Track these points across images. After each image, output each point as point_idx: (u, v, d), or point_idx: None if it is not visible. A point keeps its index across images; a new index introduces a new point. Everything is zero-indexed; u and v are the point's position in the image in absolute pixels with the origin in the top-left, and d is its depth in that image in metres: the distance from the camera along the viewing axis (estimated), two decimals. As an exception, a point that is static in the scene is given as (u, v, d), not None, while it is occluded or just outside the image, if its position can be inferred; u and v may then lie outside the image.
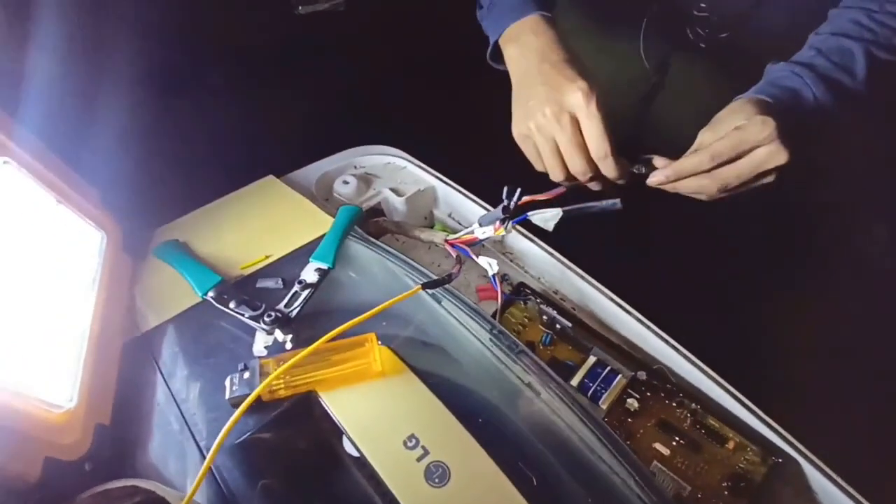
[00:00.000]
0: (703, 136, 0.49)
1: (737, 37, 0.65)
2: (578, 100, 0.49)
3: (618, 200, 0.48)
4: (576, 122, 0.50)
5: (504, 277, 0.59)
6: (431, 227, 0.66)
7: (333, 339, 0.39)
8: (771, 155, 0.45)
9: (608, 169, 0.50)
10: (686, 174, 0.47)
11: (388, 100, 0.82)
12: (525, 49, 0.56)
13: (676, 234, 0.66)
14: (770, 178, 0.47)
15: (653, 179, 0.49)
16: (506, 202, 0.47)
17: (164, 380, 0.41)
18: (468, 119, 0.83)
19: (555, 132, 0.50)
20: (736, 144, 0.45)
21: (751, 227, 0.65)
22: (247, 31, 0.75)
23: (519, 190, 0.48)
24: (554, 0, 0.62)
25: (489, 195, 0.59)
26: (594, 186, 0.53)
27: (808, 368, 0.56)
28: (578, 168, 0.50)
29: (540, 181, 0.69)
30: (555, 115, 0.50)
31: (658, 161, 0.49)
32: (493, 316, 0.49)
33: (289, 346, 0.41)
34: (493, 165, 0.72)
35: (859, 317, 0.58)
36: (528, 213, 0.51)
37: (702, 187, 0.48)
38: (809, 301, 0.60)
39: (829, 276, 0.63)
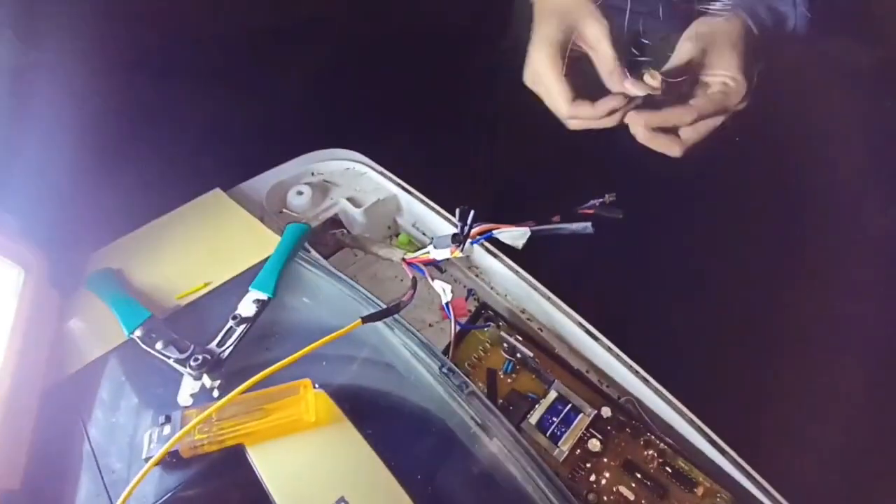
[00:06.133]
0: (685, 49, 0.50)
1: None
2: (590, 24, 0.49)
3: (588, 224, 0.45)
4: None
5: (470, 293, 0.55)
6: (396, 234, 0.62)
7: (252, 388, 0.35)
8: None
9: (634, 88, 0.48)
10: (669, 123, 0.49)
11: (350, 98, 0.77)
12: None
13: (655, 254, 0.62)
14: None
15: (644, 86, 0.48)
16: (458, 227, 0.44)
17: (85, 433, 0.38)
18: (440, 117, 0.78)
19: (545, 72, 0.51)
20: (721, 108, 0.49)
21: (734, 246, 0.60)
22: (193, 21, 0.69)
23: (472, 212, 0.43)
24: None
25: (460, 199, 0.55)
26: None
27: (786, 408, 0.52)
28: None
29: (512, 189, 0.64)
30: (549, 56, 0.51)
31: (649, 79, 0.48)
32: (447, 348, 0.46)
33: (216, 394, 0.38)
34: (463, 166, 0.67)
35: (839, 362, 0.54)
36: (495, 232, 0.47)
37: (671, 145, 0.50)
38: (793, 340, 0.56)
39: (821, 308, 0.58)
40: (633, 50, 0.60)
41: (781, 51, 0.53)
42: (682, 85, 0.50)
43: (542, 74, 0.51)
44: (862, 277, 0.57)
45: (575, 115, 0.50)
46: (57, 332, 0.44)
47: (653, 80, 0.48)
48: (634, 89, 0.48)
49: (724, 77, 0.49)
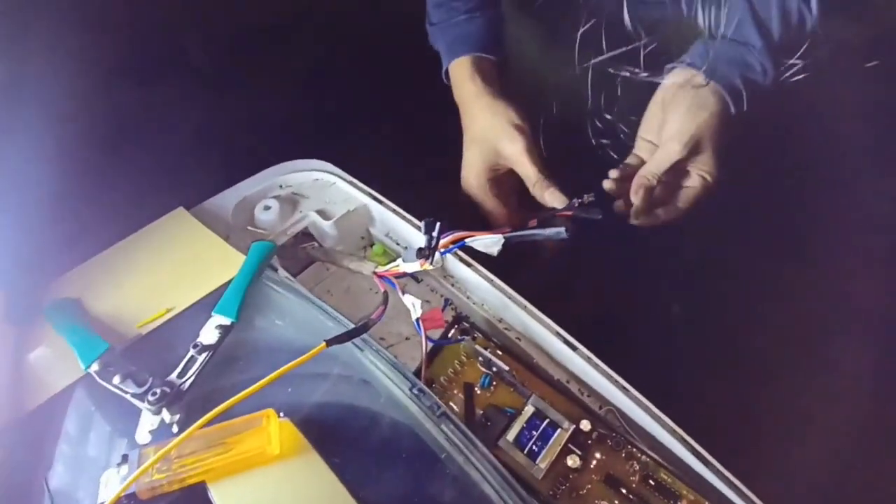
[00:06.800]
0: (674, 151, 0.52)
1: None
2: (506, 145, 0.55)
3: (563, 230, 0.43)
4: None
5: (447, 303, 0.54)
6: (371, 245, 0.60)
7: (213, 420, 0.34)
8: None
9: (552, 199, 0.53)
10: (662, 221, 0.54)
11: (319, 106, 0.75)
12: (459, 91, 0.60)
13: (634, 258, 0.60)
14: None
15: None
16: (424, 240, 0.42)
17: (43, 475, 0.36)
18: (420, 123, 0.76)
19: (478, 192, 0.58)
20: (702, 199, 0.54)
21: (723, 248, 0.59)
22: (161, 32, 0.67)
23: (438, 224, 0.42)
24: (499, 37, 0.63)
25: (444, 207, 0.53)
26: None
27: (773, 418, 0.50)
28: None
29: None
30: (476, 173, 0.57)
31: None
32: (419, 367, 0.44)
33: (175, 429, 0.37)
34: (436, 174, 0.66)
35: (831, 371, 0.52)
36: (468, 240, 0.46)
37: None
38: (782, 348, 0.54)
39: (816, 309, 0.56)
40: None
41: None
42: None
43: (473, 193, 0.58)
44: (861, 277, 0.55)
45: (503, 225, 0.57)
46: (13, 369, 0.42)
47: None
48: (553, 201, 0.52)
49: (703, 172, 0.53)
